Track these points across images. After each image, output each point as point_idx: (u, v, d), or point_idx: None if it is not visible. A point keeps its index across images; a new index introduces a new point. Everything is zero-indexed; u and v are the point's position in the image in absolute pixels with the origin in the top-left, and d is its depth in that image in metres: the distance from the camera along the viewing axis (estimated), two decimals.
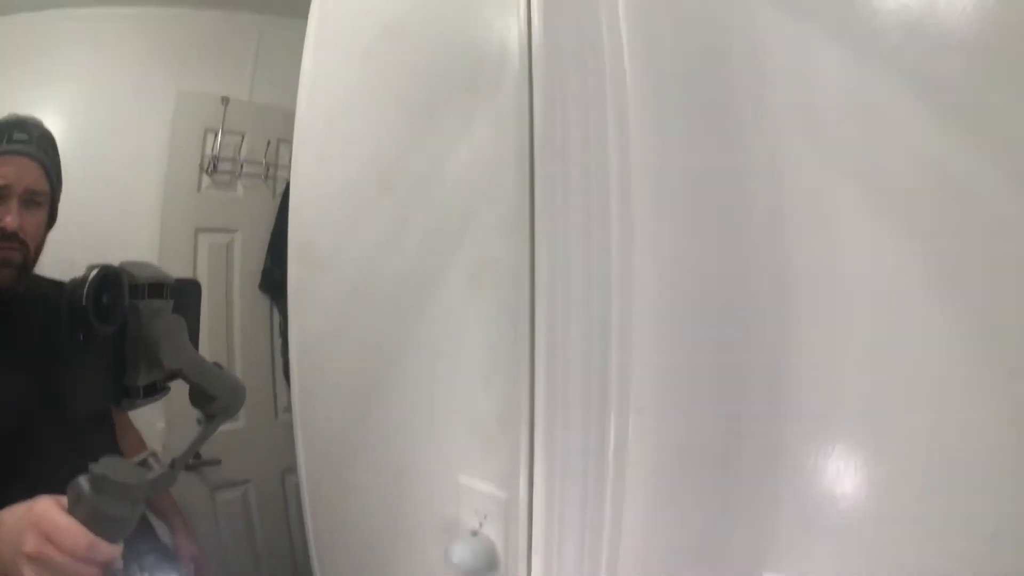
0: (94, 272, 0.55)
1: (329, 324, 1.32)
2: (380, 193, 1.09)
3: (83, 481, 0.64)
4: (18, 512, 0.71)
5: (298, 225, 1.37)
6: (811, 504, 0.69)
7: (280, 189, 2.01)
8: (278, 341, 2.12)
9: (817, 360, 0.67)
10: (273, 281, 2.02)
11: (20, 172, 1.07)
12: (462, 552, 0.95)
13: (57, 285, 1.16)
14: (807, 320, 0.67)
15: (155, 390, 0.61)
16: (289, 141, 1.89)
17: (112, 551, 0.66)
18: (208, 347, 1.89)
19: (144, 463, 0.66)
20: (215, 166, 1.84)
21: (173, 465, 0.66)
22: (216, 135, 1.83)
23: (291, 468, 2.05)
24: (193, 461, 1.86)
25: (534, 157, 0.73)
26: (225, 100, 1.82)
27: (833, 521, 0.68)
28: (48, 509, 0.68)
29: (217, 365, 0.68)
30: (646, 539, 0.80)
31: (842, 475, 0.67)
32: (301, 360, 1.42)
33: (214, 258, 1.93)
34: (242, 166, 1.91)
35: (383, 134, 1.14)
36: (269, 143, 1.93)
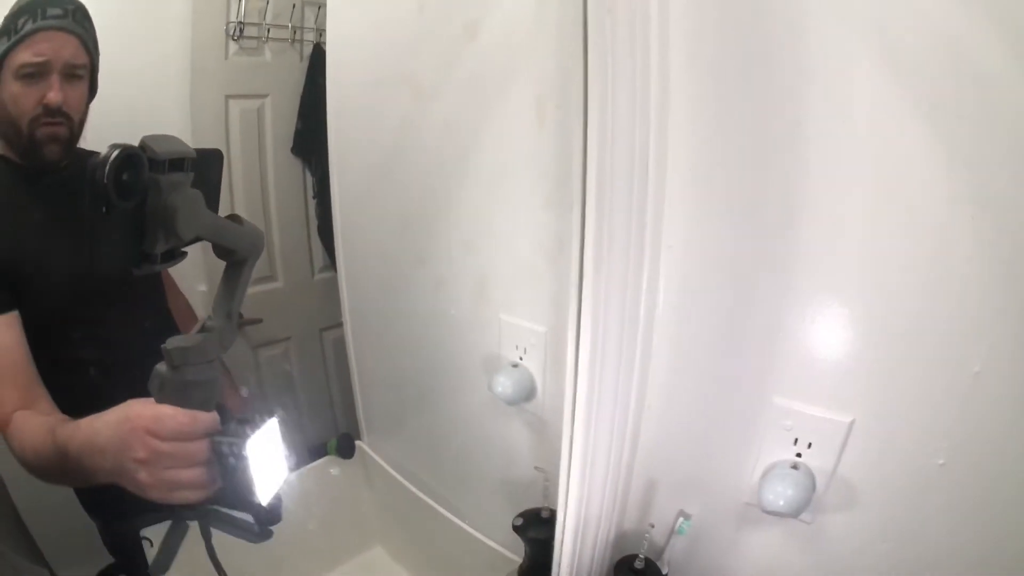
0: (115, 152, 0.55)
1: (373, 177, 1.36)
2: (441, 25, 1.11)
3: (160, 368, 0.67)
4: (113, 421, 0.72)
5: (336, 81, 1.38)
6: (812, 341, 0.77)
7: (308, 52, 1.99)
8: (312, 203, 2.15)
9: (824, 210, 0.73)
10: (305, 143, 2.03)
11: (58, 47, 1.06)
12: (504, 382, 1.05)
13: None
14: (818, 171, 0.72)
15: (172, 256, 0.63)
16: (314, 3, 1.88)
17: (212, 418, 0.69)
18: (246, 211, 1.95)
19: (203, 328, 0.69)
20: (241, 31, 1.82)
21: (230, 317, 0.70)
22: (240, 0, 1.80)
23: (329, 325, 2.18)
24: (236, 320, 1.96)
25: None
26: None
27: (831, 357, 0.76)
28: (143, 409, 0.69)
29: (234, 218, 0.70)
30: (670, 364, 0.90)
31: (840, 318, 0.75)
32: (344, 216, 1.49)
33: (246, 123, 1.93)
34: (268, 30, 1.89)
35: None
36: (295, 6, 1.90)
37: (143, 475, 0.69)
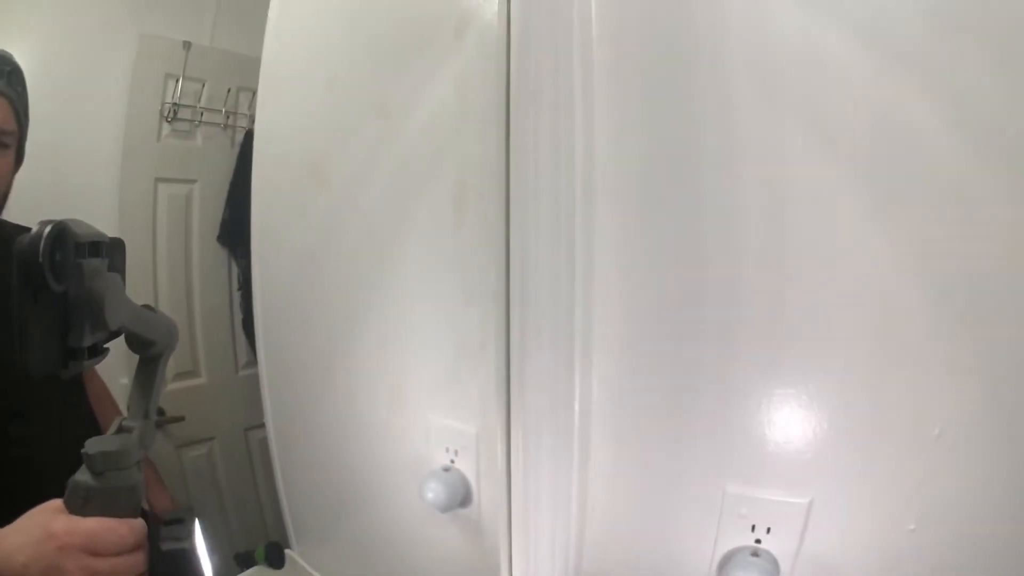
0: (48, 228, 0.50)
1: (295, 273, 1.33)
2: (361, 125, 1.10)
3: (81, 477, 0.62)
4: (31, 540, 0.64)
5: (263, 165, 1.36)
6: (761, 425, 0.76)
7: (239, 139, 1.95)
8: (237, 295, 2.07)
9: (766, 290, 0.74)
10: (231, 232, 1.97)
11: None
12: (435, 487, 0.97)
13: (24, 231, 1.13)
14: (756, 253, 0.73)
15: (97, 352, 0.56)
16: (249, 89, 1.85)
17: (143, 524, 0.65)
18: (169, 300, 1.87)
19: (120, 428, 0.65)
20: (175, 113, 1.78)
21: (147, 416, 0.66)
22: (177, 81, 1.76)
23: (254, 425, 2.03)
24: (158, 418, 1.83)
25: (510, 100, 0.76)
26: (187, 45, 1.75)
27: (782, 438, 0.76)
28: (68, 524, 0.63)
29: (148, 308, 0.67)
30: (614, 459, 0.87)
31: (787, 398, 0.75)
32: (265, 311, 1.44)
33: (173, 209, 1.87)
34: (202, 114, 1.85)
35: (355, 77, 1.13)
36: (229, 91, 1.87)
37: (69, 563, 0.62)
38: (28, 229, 0.64)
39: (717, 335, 0.77)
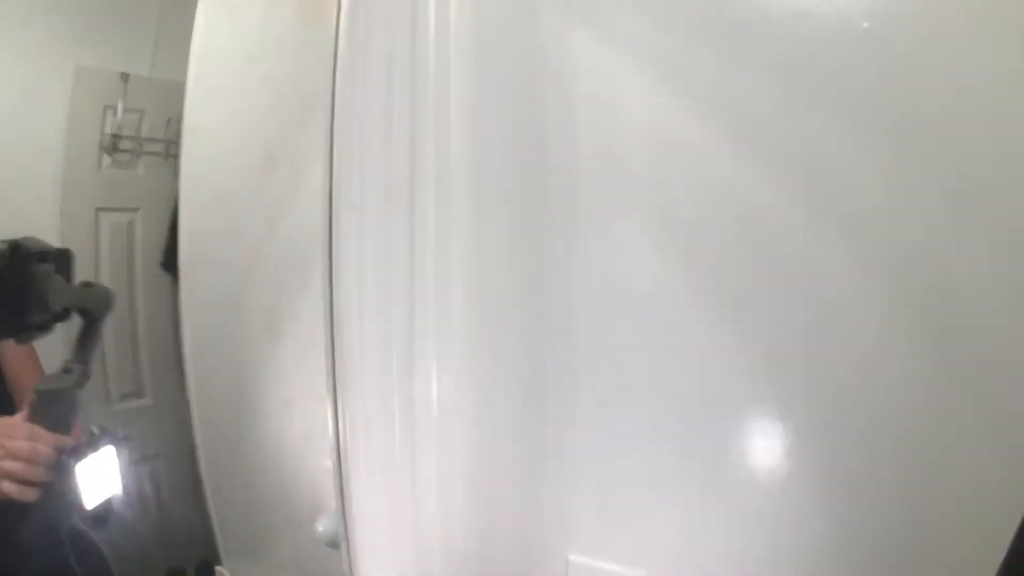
0: (4, 244, 0.76)
1: (219, 302, 1.36)
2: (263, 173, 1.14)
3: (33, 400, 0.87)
4: None
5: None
6: (599, 496, 0.77)
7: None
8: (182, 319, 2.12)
9: (601, 372, 0.73)
10: (174, 259, 1.99)
11: None
12: (327, 523, 1.03)
13: None
14: (593, 341, 0.73)
15: (46, 328, 0.82)
16: None
17: (52, 437, 0.86)
18: (114, 325, 1.92)
19: (67, 370, 0.89)
20: (116, 144, 1.83)
21: (86, 363, 0.91)
22: (116, 112, 1.81)
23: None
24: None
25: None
26: (125, 76, 1.80)
27: (622, 512, 0.76)
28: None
29: (86, 283, 0.93)
30: (464, 530, 0.86)
31: (624, 477, 0.75)
32: (193, 334, 1.47)
33: (116, 237, 1.93)
34: (142, 144, 1.90)
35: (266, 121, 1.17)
36: (170, 120, 1.91)
37: None
38: None
39: (557, 408, 0.77)
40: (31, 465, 0.86)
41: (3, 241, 0.73)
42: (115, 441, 0.95)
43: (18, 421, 0.87)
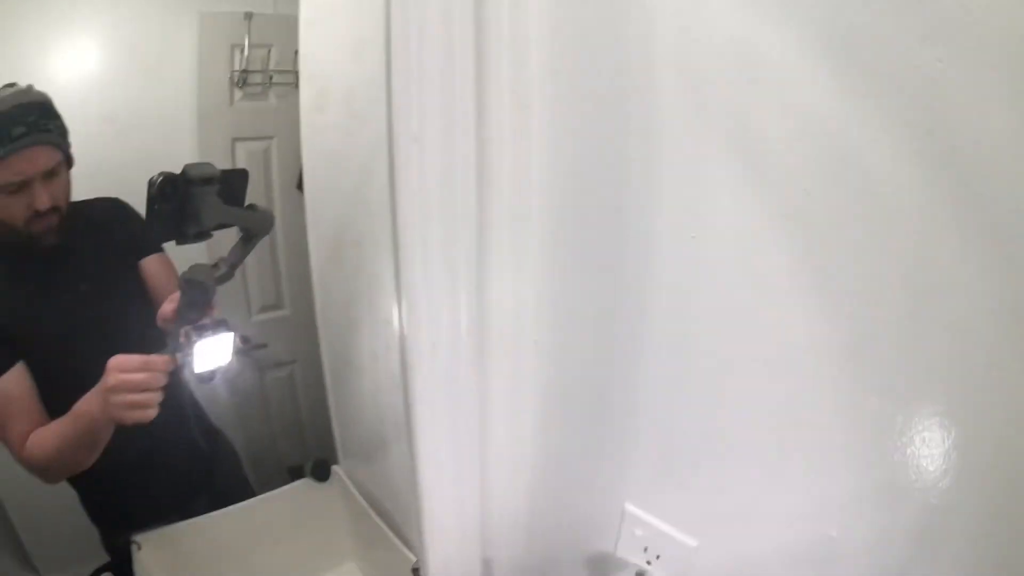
0: (159, 176, 0.89)
1: (341, 213, 1.43)
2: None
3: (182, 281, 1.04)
4: (97, 389, 1.04)
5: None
6: (660, 451, 0.76)
7: None
8: None
9: (674, 320, 0.69)
10: None
11: (31, 162, 1.14)
12: None
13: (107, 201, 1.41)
14: (670, 267, 0.69)
15: (201, 236, 0.96)
16: None
17: (161, 359, 1.03)
18: None
19: (215, 265, 1.05)
20: (245, 80, 1.96)
21: (233, 267, 1.06)
22: (243, 50, 1.94)
23: None
24: (243, 346, 2.11)
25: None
26: (248, 15, 1.91)
27: (685, 483, 0.75)
28: (111, 372, 1.01)
29: (251, 207, 1.05)
30: (531, 460, 0.92)
31: (691, 452, 0.74)
32: (318, 252, 1.59)
33: (252, 163, 2.07)
34: (271, 76, 2.02)
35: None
36: (296, 52, 2.01)
37: (114, 402, 1.00)
38: (111, 200, 1.36)
39: (630, 355, 0.75)
40: (149, 392, 1.02)
41: (162, 173, 0.89)
42: (232, 329, 1.09)
43: (127, 357, 1.02)
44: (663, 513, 0.78)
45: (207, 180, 0.93)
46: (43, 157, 1.16)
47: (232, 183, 1.02)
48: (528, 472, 0.93)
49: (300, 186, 2.14)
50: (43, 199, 1.17)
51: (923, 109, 0.48)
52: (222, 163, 1.94)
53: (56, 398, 1.20)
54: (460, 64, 0.69)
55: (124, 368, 1.01)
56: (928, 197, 0.49)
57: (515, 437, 0.90)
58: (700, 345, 0.68)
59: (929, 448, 0.53)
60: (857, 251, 0.55)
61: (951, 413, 0.52)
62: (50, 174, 1.18)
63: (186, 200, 0.92)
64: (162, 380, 1.03)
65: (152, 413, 1.03)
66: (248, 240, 1.07)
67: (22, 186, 1.15)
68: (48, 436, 1.16)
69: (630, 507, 0.80)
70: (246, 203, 1.07)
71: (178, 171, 0.91)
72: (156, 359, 1.03)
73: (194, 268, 1.05)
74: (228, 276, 1.06)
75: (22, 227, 1.19)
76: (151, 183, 0.89)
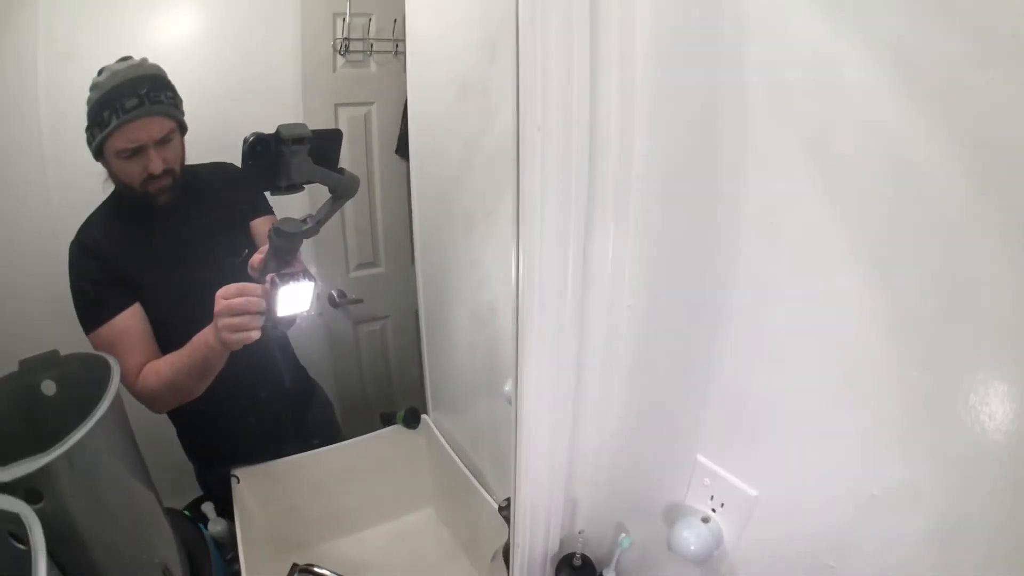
0: (251, 136, 0.99)
1: (444, 180, 1.51)
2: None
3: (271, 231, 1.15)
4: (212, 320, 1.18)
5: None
6: (731, 410, 0.82)
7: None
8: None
9: (747, 299, 0.76)
10: (407, 145, 2.18)
11: (144, 130, 1.26)
12: (511, 387, 1.20)
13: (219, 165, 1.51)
14: (749, 254, 0.74)
15: (292, 189, 1.06)
16: None
17: (255, 286, 1.16)
18: (354, 205, 2.19)
19: (304, 220, 1.14)
20: (347, 47, 2.05)
21: (319, 223, 1.14)
22: (345, 19, 2.02)
23: None
24: (340, 300, 2.25)
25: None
26: None
27: (750, 430, 0.81)
28: (219, 300, 1.15)
29: (340, 170, 1.13)
30: (619, 412, 0.99)
31: (758, 411, 0.78)
32: (420, 213, 1.67)
33: (353, 128, 2.16)
34: (372, 44, 2.10)
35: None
36: (396, 21, 2.09)
37: (222, 327, 1.14)
38: (225, 164, 1.52)
39: (710, 322, 0.80)
40: (249, 315, 1.15)
41: (254, 133, 1.00)
42: (313, 279, 1.18)
43: (228, 285, 1.15)
44: (729, 465, 0.83)
45: (298, 140, 1.02)
46: (155, 126, 1.27)
47: (325, 143, 1.10)
48: (613, 422, 0.99)
49: (398, 150, 2.26)
50: (156, 164, 1.29)
51: (973, 124, 0.53)
52: (325, 127, 2.07)
53: (169, 338, 1.33)
54: (577, 68, 0.77)
55: (225, 295, 1.14)
56: (972, 199, 0.53)
57: (604, 390, 0.97)
58: (768, 318, 0.74)
59: (967, 415, 0.57)
60: (907, 242, 0.59)
61: (985, 381, 0.56)
62: (163, 140, 1.29)
63: (278, 157, 1.02)
64: (259, 304, 1.15)
65: (254, 335, 1.16)
66: (336, 199, 1.16)
67: (137, 151, 1.27)
68: (163, 366, 1.29)
69: (701, 458, 0.86)
70: (339, 163, 1.14)
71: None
72: (251, 285, 1.16)
73: (284, 220, 1.15)
74: (314, 231, 1.15)
75: (139, 188, 1.31)
76: (245, 141, 0.99)
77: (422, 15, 1.46)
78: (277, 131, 1.01)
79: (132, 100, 1.23)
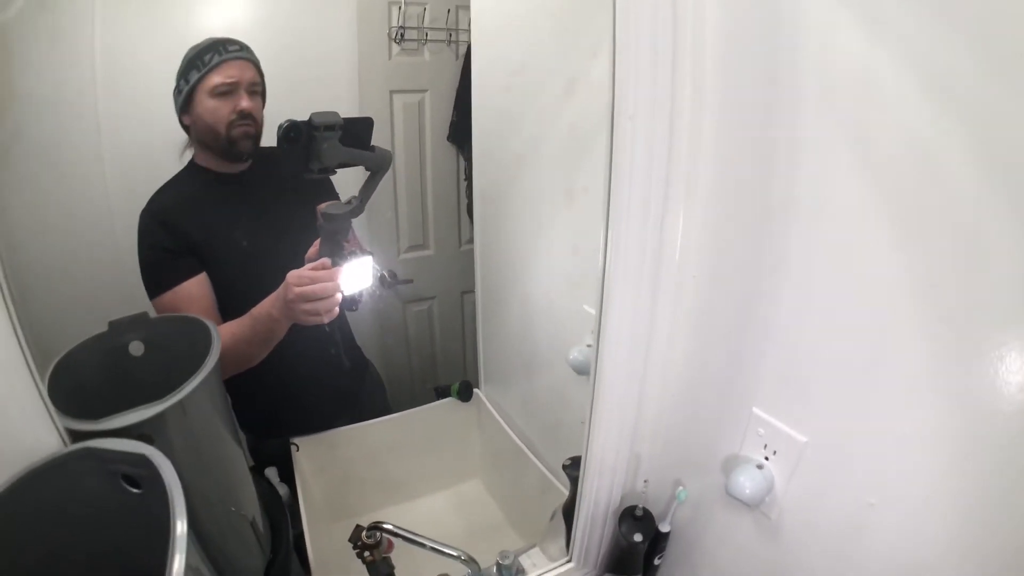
0: (285, 123, 1.04)
1: (506, 170, 1.56)
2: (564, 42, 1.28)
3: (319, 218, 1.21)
4: (278, 293, 1.23)
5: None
6: (784, 366, 0.89)
7: (462, 51, 2.22)
8: (463, 184, 2.41)
9: (797, 267, 0.83)
10: (459, 132, 2.28)
11: (241, 71, 1.36)
12: (576, 355, 1.29)
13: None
14: (801, 227, 0.82)
15: (325, 172, 1.11)
16: (467, 7, 2.12)
17: (329, 272, 1.19)
18: (406, 189, 2.26)
19: (349, 202, 1.19)
20: (402, 35, 2.10)
21: (362, 202, 1.20)
22: (400, 7, 2.07)
23: (469, 289, 2.45)
24: (391, 280, 2.31)
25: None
26: None
27: (801, 383, 0.87)
28: (294, 283, 1.18)
29: (372, 148, 1.17)
30: (681, 370, 1.06)
31: (805, 366, 0.86)
32: (483, 201, 1.72)
33: (407, 114, 2.22)
34: (427, 34, 2.15)
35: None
36: (449, 11, 2.15)
37: (297, 311, 1.19)
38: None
39: (766, 285, 0.87)
40: (325, 299, 1.19)
41: (289, 120, 1.05)
42: (370, 255, 1.24)
43: (300, 272, 1.19)
44: (781, 416, 0.90)
45: (329, 127, 1.08)
46: (249, 71, 1.38)
47: (356, 129, 1.15)
48: (676, 381, 1.07)
49: (450, 137, 2.32)
50: (246, 102, 1.37)
51: (990, 129, 0.61)
52: (380, 113, 2.16)
53: (232, 307, 1.39)
54: (660, 69, 0.87)
55: (299, 282, 1.18)
56: (987, 189, 0.62)
57: (670, 351, 1.05)
58: (817, 284, 0.81)
59: (990, 371, 0.64)
60: (931, 220, 0.68)
61: (1006, 343, 0.63)
62: (252, 91, 1.39)
63: (310, 142, 1.07)
64: (335, 288, 1.20)
65: (335, 313, 1.22)
66: (373, 176, 1.20)
67: (232, 89, 1.36)
68: (224, 332, 1.31)
69: (756, 410, 0.93)
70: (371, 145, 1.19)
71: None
72: (322, 273, 1.19)
73: (329, 204, 1.20)
74: (359, 210, 1.20)
75: (224, 132, 1.37)
76: (279, 128, 1.04)
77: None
78: (309, 118, 1.06)
79: (234, 46, 1.37)
